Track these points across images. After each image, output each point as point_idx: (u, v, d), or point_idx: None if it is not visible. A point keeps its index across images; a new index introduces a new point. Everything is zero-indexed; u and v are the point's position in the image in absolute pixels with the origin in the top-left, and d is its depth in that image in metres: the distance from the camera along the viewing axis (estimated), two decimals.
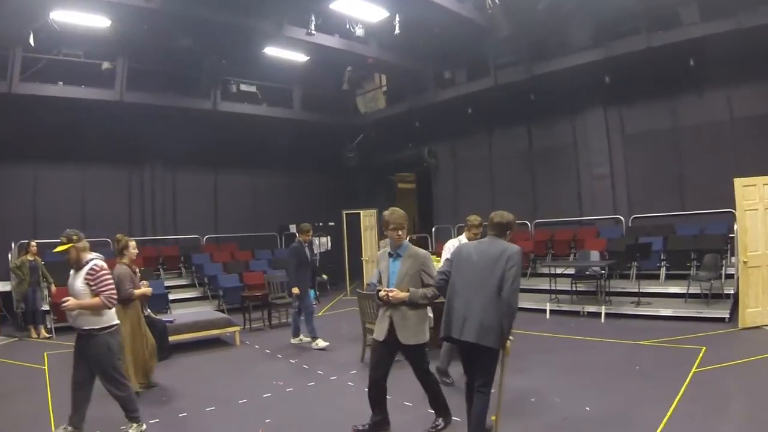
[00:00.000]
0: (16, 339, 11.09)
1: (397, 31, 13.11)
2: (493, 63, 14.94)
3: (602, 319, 10.37)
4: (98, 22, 12.38)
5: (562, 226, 14.91)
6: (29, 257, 11.49)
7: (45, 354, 9.68)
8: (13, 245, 13.09)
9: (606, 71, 13.10)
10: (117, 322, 5.48)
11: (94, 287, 5.17)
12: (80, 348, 5.29)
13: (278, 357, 9.13)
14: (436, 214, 18.83)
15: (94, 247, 14.38)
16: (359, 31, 13.99)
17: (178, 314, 11.00)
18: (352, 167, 19.66)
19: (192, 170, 17.51)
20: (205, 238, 17.23)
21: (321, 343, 9.35)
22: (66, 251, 5.34)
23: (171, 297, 13.06)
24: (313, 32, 13.52)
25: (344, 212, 17.03)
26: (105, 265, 5.39)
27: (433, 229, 18.02)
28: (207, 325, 9.97)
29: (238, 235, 17.83)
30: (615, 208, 14.12)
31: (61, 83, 13.97)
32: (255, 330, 11.50)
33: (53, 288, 11.55)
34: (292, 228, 17.54)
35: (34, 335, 11.20)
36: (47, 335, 11.31)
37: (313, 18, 13.39)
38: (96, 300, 5.15)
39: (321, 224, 17.57)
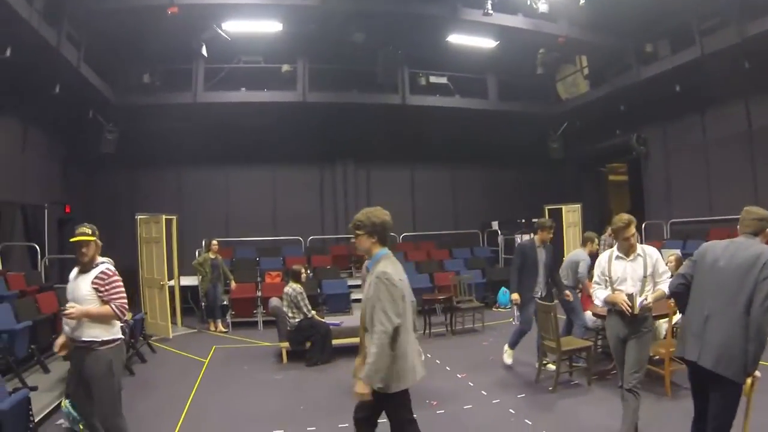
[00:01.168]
0: (196, 331, 11.85)
1: (582, 1, 11.64)
2: (697, 28, 12.35)
3: None
4: (270, 27, 12.76)
5: None
6: (211, 255, 12.06)
7: (213, 347, 10.03)
8: (204, 243, 13.52)
9: None
10: (122, 336, 4.64)
11: (103, 293, 4.38)
12: (77, 363, 4.50)
13: (446, 369, 8.14)
14: (647, 209, 16.37)
15: (283, 245, 15.11)
16: (543, 7, 12.37)
17: (350, 317, 10.53)
18: (556, 159, 17.93)
19: (386, 167, 17.36)
20: (401, 236, 16.79)
21: (507, 358, 8.08)
22: (84, 244, 4.47)
23: (354, 297, 12.48)
24: (491, 12, 12.35)
25: (546, 207, 15.45)
26: (116, 271, 4.56)
27: (643, 226, 15.31)
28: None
29: (437, 232, 17.28)
30: None
31: (243, 89, 14.64)
32: (435, 336, 10.66)
33: (233, 285, 12.16)
34: (495, 225, 16.73)
35: (212, 329, 11.81)
36: (224, 330, 11.78)
37: None
38: (106, 308, 4.37)
39: (523, 221, 16.27)
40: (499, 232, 16.66)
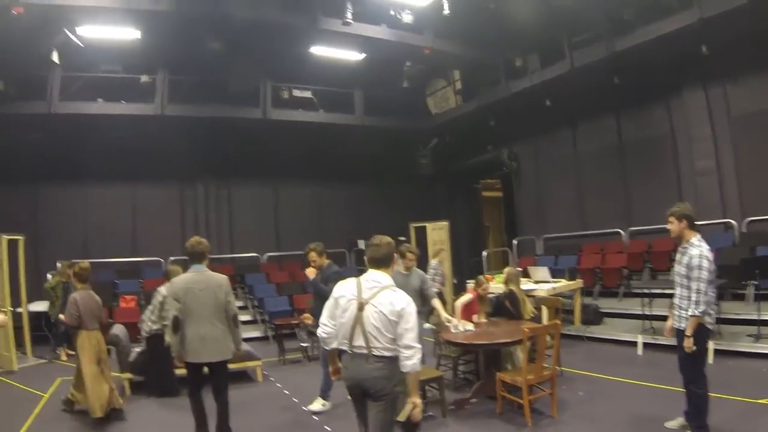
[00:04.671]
0: (46, 361, 10.87)
1: (446, 11, 11.53)
2: (567, 42, 12.61)
3: (710, 359, 7.77)
4: (128, 34, 12.08)
5: (661, 234, 11.85)
6: (63, 278, 11.13)
7: (59, 379, 8.97)
8: (58, 265, 12.18)
9: (702, 38, 10.45)
10: None
11: None
12: None
13: (293, 400, 7.61)
14: (520, 224, 16.64)
15: (144, 267, 13.99)
16: (407, 17, 12.37)
17: None
18: (427, 175, 17.81)
19: (249, 183, 16.71)
20: (265, 256, 16.19)
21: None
22: None
23: None
24: (350, 21, 12.07)
25: (412, 225, 15.34)
26: None
27: (515, 242, 15.72)
28: None
29: (301, 252, 16.24)
30: (724, 209, 11.39)
31: (101, 100, 13.74)
32: (290, 363, 10.08)
33: None
34: (361, 243, 16.15)
35: (63, 357, 10.88)
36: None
37: (349, 6, 11.97)
38: None
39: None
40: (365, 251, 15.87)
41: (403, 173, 17.63)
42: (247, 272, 15.12)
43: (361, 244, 16.06)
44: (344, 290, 3.90)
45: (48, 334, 11.71)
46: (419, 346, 3.74)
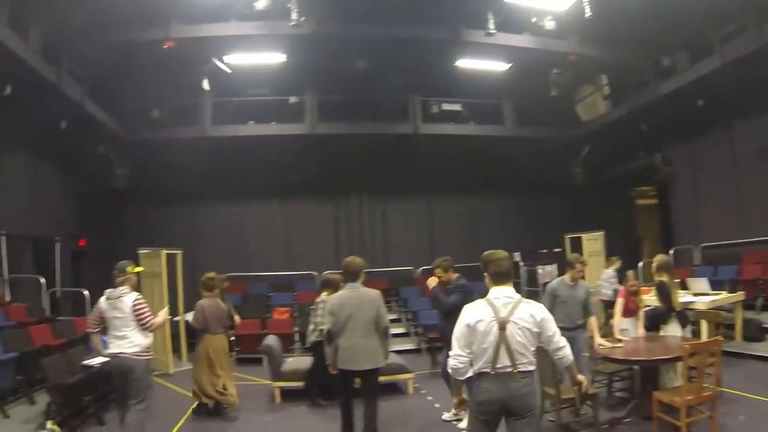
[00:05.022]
0: None
1: (588, 13, 11.19)
2: (714, 36, 11.73)
3: None
4: (274, 58, 12.82)
5: None
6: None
7: None
8: None
9: None
10: None
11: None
12: None
13: (434, 407, 7.64)
14: (676, 233, 15.59)
15: (298, 280, 15.08)
16: (549, 24, 12.31)
17: None
18: (579, 184, 17.33)
19: (401, 198, 17.10)
20: (420, 270, 16.17)
21: None
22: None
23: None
24: (493, 31, 12.14)
25: (567, 236, 14.97)
26: None
27: (671, 252, 14.27)
28: None
29: (456, 266, 16.48)
30: None
31: (252, 122, 14.78)
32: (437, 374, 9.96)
33: (237, 320, 11.59)
34: (516, 256, 15.84)
35: None
36: None
37: (491, 17, 12.07)
38: None
39: (545, 251, 15.60)
40: (521, 263, 16.02)
41: (554, 183, 17.15)
42: (401, 285, 15.28)
43: (517, 256, 15.85)
44: (478, 314, 3.82)
45: None
46: (565, 341, 3.97)
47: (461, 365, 3.82)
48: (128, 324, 5.60)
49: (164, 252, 11.16)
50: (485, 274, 4.09)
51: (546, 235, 16.05)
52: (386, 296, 14.05)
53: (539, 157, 16.36)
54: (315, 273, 15.48)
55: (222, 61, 12.65)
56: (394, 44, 12.56)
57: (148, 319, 5.66)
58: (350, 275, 6.03)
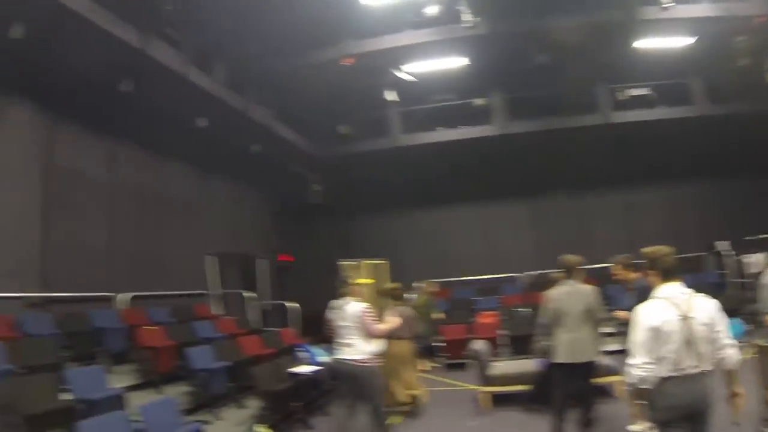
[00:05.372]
0: None
1: None
2: None
3: None
4: (456, 62, 12.85)
5: None
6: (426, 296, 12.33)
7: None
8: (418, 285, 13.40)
9: None
10: None
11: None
12: None
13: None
14: None
15: (501, 283, 15.32)
16: None
17: None
18: None
19: (600, 192, 16.34)
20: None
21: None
22: None
23: None
24: (667, 5, 11.24)
25: None
26: None
27: None
28: (530, 378, 7.91)
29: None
30: None
31: (440, 128, 14.93)
32: None
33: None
34: (720, 245, 14.65)
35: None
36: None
37: None
38: None
39: (750, 238, 13.73)
40: (721, 253, 14.42)
41: (757, 163, 15.20)
42: (606, 283, 14.67)
43: (720, 245, 14.63)
44: (661, 315, 3.54)
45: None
46: (733, 340, 3.61)
47: (646, 374, 3.53)
48: (353, 332, 5.96)
49: (366, 262, 11.50)
50: (650, 271, 3.83)
51: (755, 220, 14.10)
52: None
53: (737, 136, 14.66)
54: (518, 274, 15.33)
55: (403, 71, 12.88)
56: (571, 33, 11.79)
57: (372, 326, 5.98)
58: (567, 272, 6.15)
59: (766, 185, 15.26)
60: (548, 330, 5.94)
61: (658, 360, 3.53)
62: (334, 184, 15.41)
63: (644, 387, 3.58)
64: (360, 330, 5.95)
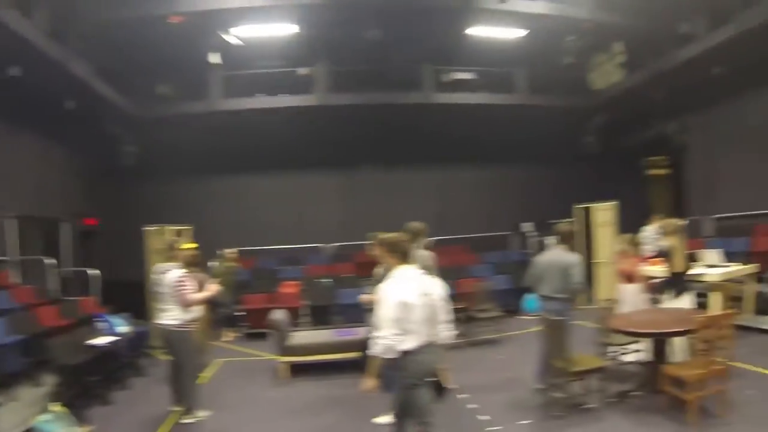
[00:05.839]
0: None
1: None
2: (735, 2, 11.40)
3: None
4: (285, 30, 12.75)
5: None
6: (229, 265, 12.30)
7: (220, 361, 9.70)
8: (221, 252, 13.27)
9: None
10: None
11: None
12: None
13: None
14: (688, 204, 15.37)
15: (306, 254, 15.10)
16: None
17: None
18: (592, 154, 17.04)
19: (412, 169, 16.87)
20: (432, 240, 15.94)
21: None
22: None
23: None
24: None
25: (576, 207, 14.80)
26: None
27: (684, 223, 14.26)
28: (328, 348, 8.67)
29: (468, 236, 16.23)
30: None
31: (261, 95, 14.68)
32: (451, 349, 9.87)
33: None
34: (525, 226, 16.13)
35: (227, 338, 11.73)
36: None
37: None
38: None
39: (554, 221, 15.19)
40: (525, 234, 15.96)
41: (567, 153, 16.97)
42: None
43: (526, 226, 15.98)
44: (406, 292, 4.21)
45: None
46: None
47: (396, 344, 4.10)
48: (169, 298, 6.16)
49: (170, 228, 11.15)
50: (389, 255, 4.41)
51: (558, 205, 15.60)
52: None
53: (551, 126, 16.15)
54: (324, 246, 15.53)
55: (231, 35, 12.57)
56: (407, 13, 12.34)
57: (186, 294, 6.12)
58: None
59: (571, 174, 16.96)
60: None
61: (405, 332, 4.09)
62: (149, 146, 14.59)
63: (391, 356, 4.07)
64: (174, 297, 6.13)
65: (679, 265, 7.31)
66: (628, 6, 13.07)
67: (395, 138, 15.76)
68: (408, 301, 4.10)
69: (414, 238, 6.33)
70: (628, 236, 8.32)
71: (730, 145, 13.79)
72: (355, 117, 14.92)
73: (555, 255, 6.71)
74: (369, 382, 4.27)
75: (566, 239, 6.75)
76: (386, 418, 6.59)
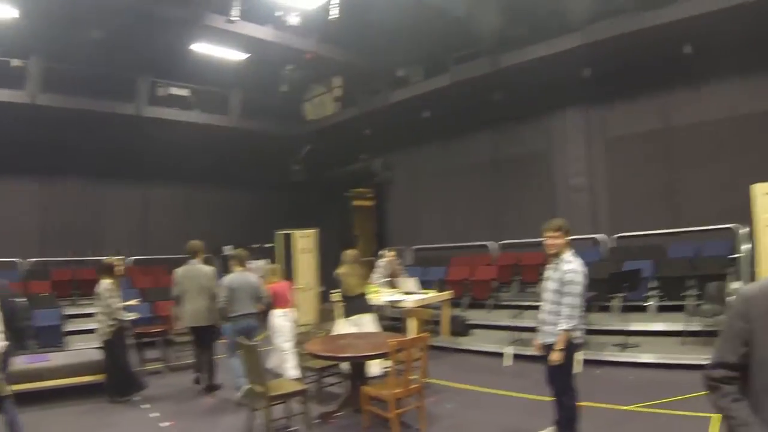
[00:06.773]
0: None
1: (334, 14, 11.39)
2: (451, 56, 12.65)
3: (578, 369, 7.93)
4: (4, 12, 10.77)
5: (531, 248, 11.84)
6: None
7: None
8: None
9: (586, 61, 10.91)
10: None
11: None
12: None
13: (149, 417, 6.85)
14: (390, 235, 16.60)
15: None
16: (294, 20, 12.25)
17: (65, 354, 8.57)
18: (299, 182, 17.44)
19: (120, 182, 15.39)
20: (132, 260, 14.58)
21: None
22: None
23: (74, 328, 10.89)
24: (234, 19, 11.63)
25: (278, 233, 14.87)
26: None
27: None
28: (66, 371, 7.71)
29: (169, 257, 14.55)
30: (595, 225, 11.84)
31: None
32: (151, 374, 8.97)
33: None
34: (227, 249, 14.87)
35: None
36: None
37: (237, 3, 11.58)
38: None
39: (257, 246, 14.86)
40: (227, 256, 15.44)
41: (276, 179, 17.27)
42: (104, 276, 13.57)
43: (228, 249, 15.00)
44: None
45: None
46: None
47: None
48: None
49: None
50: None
51: (262, 229, 15.83)
52: (92, 287, 12.27)
53: (261, 152, 16.45)
54: (18, 260, 13.18)
55: None
56: (132, 16, 11.22)
57: None
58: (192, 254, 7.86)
59: (280, 199, 17.46)
60: (178, 300, 7.67)
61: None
62: None
63: None
64: None
65: (353, 289, 8.06)
66: (352, 44, 13.78)
67: (104, 149, 14.42)
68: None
69: (194, 255, 7.80)
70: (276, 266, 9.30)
71: (432, 183, 15.43)
72: (65, 121, 13.27)
73: (241, 276, 7.48)
74: None
75: (242, 263, 7.63)
76: None
